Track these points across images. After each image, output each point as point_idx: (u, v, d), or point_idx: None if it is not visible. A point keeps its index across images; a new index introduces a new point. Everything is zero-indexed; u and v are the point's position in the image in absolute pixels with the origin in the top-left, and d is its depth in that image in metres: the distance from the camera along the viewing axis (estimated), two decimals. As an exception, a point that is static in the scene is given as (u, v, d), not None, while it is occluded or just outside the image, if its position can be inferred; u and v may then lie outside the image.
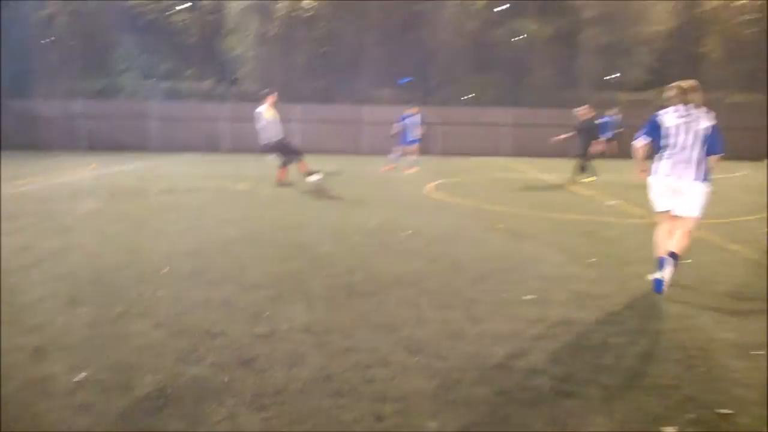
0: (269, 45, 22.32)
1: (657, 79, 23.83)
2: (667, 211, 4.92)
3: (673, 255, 4.76)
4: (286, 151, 11.48)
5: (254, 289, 4.55)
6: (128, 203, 8.79)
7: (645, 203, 9.57)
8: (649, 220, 8.15)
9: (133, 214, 7.87)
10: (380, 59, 23.23)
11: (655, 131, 4.95)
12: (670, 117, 4.88)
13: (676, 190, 4.80)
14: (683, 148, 4.77)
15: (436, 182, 12.53)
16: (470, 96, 23.05)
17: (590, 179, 12.98)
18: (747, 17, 22.56)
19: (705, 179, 4.75)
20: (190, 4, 22.40)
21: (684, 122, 4.81)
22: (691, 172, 4.73)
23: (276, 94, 11.32)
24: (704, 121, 4.75)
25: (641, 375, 3.19)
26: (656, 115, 4.94)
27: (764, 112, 21.43)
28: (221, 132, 21.56)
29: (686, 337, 3.75)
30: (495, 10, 22.73)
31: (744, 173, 16.32)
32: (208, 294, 4.41)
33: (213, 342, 3.50)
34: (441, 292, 4.61)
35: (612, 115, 20.00)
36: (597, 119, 13.34)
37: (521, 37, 22.67)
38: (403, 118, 14.84)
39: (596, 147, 12.90)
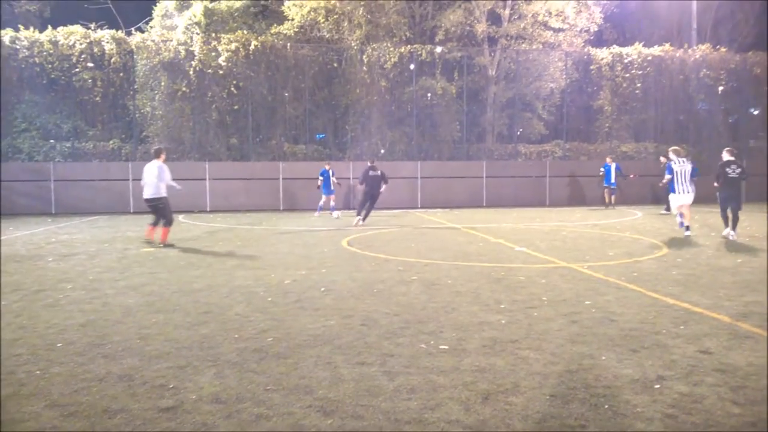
0: (179, 102, 21.97)
1: (553, 132, 25.70)
2: (682, 205, 11.94)
3: (687, 227, 11.87)
4: (163, 212, 11.00)
5: (158, 359, 4.30)
6: (21, 273, 8.13)
7: (548, 250, 10.12)
8: (552, 265, 8.59)
9: (25, 284, 7.29)
10: (294, 116, 23.48)
11: (670, 171, 12.02)
12: (675, 165, 11.87)
13: (685, 198, 11.89)
14: (684, 179, 11.77)
15: (351, 236, 12.59)
16: (382, 151, 23.64)
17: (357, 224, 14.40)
18: (635, 72, 24.95)
19: (692, 190, 11.86)
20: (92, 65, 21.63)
21: (681, 167, 11.82)
22: (689, 188, 11.79)
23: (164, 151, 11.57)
24: (688, 164, 11.91)
25: (550, 416, 3.28)
26: (669, 163, 12.22)
27: (652, 159, 23.50)
28: (128, 193, 20.69)
29: (590, 376, 3.92)
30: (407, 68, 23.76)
31: (636, 217, 17.66)
32: (106, 368, 4.11)
33: (111, 420, 3.25)
34: (357, 348, 4.57)
35: (607, 163, 20.88)
36: (376, 170, 14.67)
37: (429, 94, 23.74)
38: (322, 173, 18.15)
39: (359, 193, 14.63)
